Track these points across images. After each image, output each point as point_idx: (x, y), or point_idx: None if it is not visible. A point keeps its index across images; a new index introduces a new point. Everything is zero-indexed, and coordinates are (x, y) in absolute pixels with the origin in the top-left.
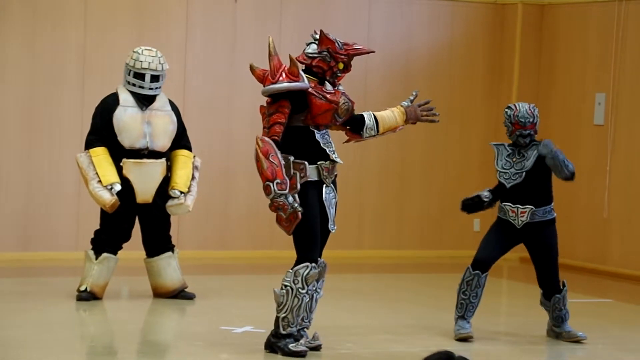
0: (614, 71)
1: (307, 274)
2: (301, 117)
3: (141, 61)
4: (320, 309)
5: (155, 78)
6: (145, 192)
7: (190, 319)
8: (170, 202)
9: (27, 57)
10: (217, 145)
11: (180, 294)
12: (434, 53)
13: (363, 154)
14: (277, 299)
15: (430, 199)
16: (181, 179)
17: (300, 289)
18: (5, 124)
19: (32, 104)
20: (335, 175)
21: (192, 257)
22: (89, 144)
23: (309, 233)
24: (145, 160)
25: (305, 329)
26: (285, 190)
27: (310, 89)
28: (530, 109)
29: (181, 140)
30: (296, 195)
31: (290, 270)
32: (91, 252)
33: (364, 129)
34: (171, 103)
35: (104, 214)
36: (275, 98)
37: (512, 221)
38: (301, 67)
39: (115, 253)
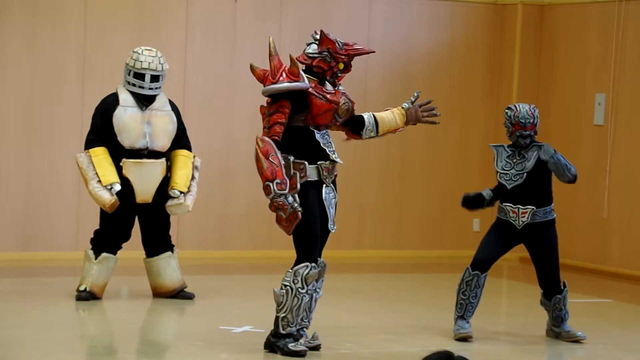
0: (613, 71)
1: (307, 273)
2: (301, 117)
3: (141, 61)
4: (320, 308)
5: (155, 78)
6: (145, 192)
7: (189, 319)
8: (170, 202)
9: (27, 57)
10: (217, 145)
11: (180, 294)
12: (434, 53)
13: (363, 154)
14: (276, 298)
15: (430, 199)
16: (181, 179)
17: (300, 289)
18: (5, 124)
19: (32, 104)
20: (335, 175)
21: (191, 257)
22: (89, 144)
23: (309, 233)
24: (145, 160)
25: (304, 329)
26: (285, 190)
27: (310, 89)
28: (530, 110)
29: (181, 140)
30: (296, 195)
31: (290, 270)
32: (91, 252)
33: (364, 131)
34: (171, 103)
35: (103, 213)
36: (276, 98)
37: (512, 222)
38: (301, 67)
39: (114, 253)
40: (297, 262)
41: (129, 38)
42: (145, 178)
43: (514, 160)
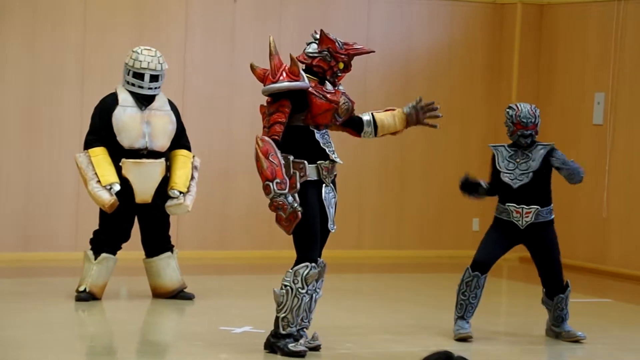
0: (613, 71)
1: (307, 273)
2: (301, 116)
3: (140, 61)
4: (320, 309)
5: (154, 78)
6: (144, 192)
7: (189, 319)
8: (169, 202)
9: (26, 57)
10: (217, 145)
11: (180, 294)
12: (434, 53)
13: (363, 154)
14: (276, 298)
15: (430, 199)
16: (180, 179)
17: (300, 289)
18: (5, 124)
19: (31, 104)
20: (335, 175)
21: (191, 257)
22: (88, 144)
23: (309, 233)
24: (144, 160)
25: (304, 329)
26: (285, 190)
27: (310, 89)
28: (532, 110)
29: (180, 140)
30: (296, 195)
31: (290, 270)
32: (90, 253)
33: (362, 133)
34: (170, 103)
35: (103, 214)
36: (276, 97)
37: (515, 222)
38: (301, 66)
39: (114, 253)
40: (297, 262)
41: (128, 38)
42: (144, 178)
43: (518, 160)
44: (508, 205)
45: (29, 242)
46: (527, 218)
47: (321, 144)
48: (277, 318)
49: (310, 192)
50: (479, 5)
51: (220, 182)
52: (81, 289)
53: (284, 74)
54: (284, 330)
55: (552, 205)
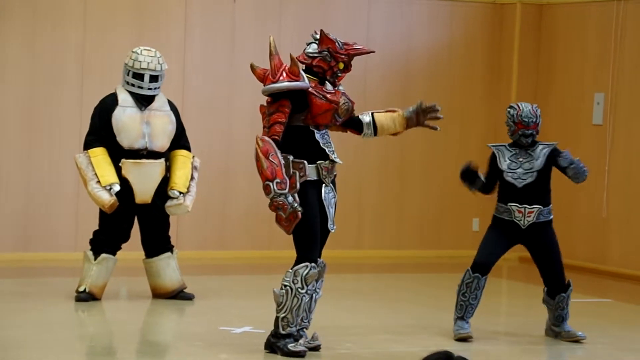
0: (612, 71)
1: (307, 273)
2: (301, 116)
3: (140, 61)
4: (320, 309)
5: (154, 78)
6: (144, 192)
7: (189, 320)
8: (169, 203)
9: (26, 57)
10: (217, 145)
11: (179, 295)
12: (433, 53)
13: (363, 154)
14: (276, 299)
15: (429, 199)
16: (180, 179)
17: (299, 289)
18: (4, 124)
19: (31, 104)
20: (335, 175)
21: (191, 258)
22: (88, 144)
23: (309, 232)
24: (144, 160)
25: (304, 329)
26: (285, 189)
27: (310, 89)
28: (533, 109)
29: (180, 140)
30: (296, 195)
31: (290, 270)
32: (90, 253)
33: (362, 134)
34: (170, 103)
35: (102, 214)
36: (276, 97)
37: (517, 221)
38: (301, 66)
39: (114, 254)
40: (297, 262)
41: (128, 38)
42: (144, 178)
43: (520, 159)
44: (510, 205)
45: (29, 243)
46: (529, 218)
47: (321, 144)
48: (277, 318)
49: (310, 192)
50: (478, 6)
51: (220, 182)
52: (81, 289)
53: (284, 74)
54: (283, 330)
55: (551, 205)
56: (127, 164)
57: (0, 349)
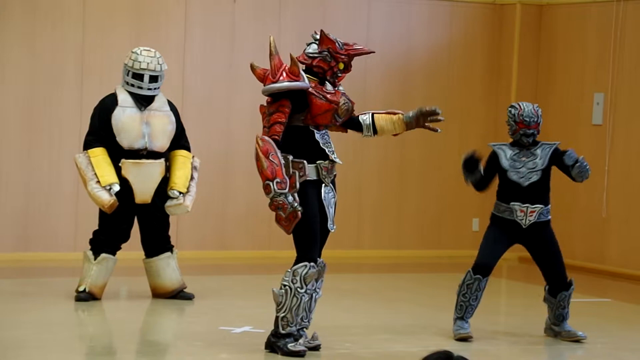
0: (612, 71)
1: (306, 273)
2: (301, 116)
3: (140, 61)
4: (320, 309)
5: (153, 78)
6: (144, 192)
7: (189, 319)
8: (169, 203)
9: (26, 57)
10: (216, 145)
11: (179, 294)
12: (433, 53)
13: (362, 154)
14: (276, 298)
15: (429, 199)
16: (180, 179)
17: (299, 289)
18: (4, 124)
19: (31, 104)
20: (335, 175)
21: (190, 258)
22: (88, 144)
23: (308, 232)
24: (144, 160)
25: (304, 329)
26: (285, 189)
27: (310, 89)
28: (534, 109)
29: (180, 140)
30: (296, 195)
31: (289, 270)
32: (90, 253)
33: (362, 135)
34: (170, 103)
35: (102, 214)
36: (276, 97)
37: (519, 221)
38: (302, 67)
39: (114, 253)
40: (296, 262)
41: (127, 38)
42: (144, 178)
43: (523, 158)
44: (512, 204)
45: (29, 243)
46: (531, 217)
47: (321, 144)
48: (276, 318)
49: (309, 192)
50: (478, 6)
51: (220, 182)
52: (81, 289)
53: (284, 74)
54: (283, 329)
55: (550, 205)
56: (126, 164)
57: (0, 349)
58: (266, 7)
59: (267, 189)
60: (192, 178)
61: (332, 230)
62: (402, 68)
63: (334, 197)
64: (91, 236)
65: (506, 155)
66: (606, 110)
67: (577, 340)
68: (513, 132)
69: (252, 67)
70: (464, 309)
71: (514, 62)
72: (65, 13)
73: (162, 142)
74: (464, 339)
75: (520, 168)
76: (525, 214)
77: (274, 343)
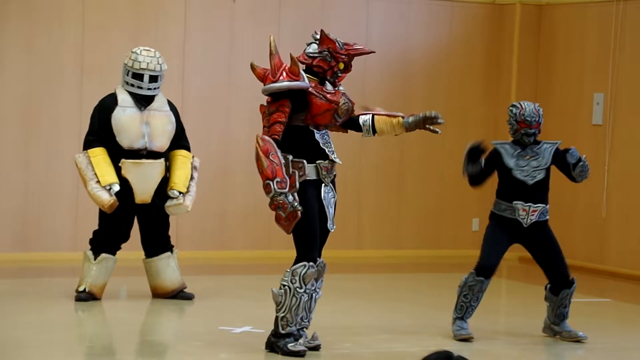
0: (612, 71)
1: (305, 273)
2: (301, 116)
3: (140, 61)
4: (320, 309)
5: (153, 78)
6: (144, 192)
7: (189, 319)
8: (169, 203)
9: (25, 57)
10: (216, 145)
11: (179, 295)
12: (433, 53)
13: (362, 154)
14: (275, 298)
15: (429, 198)
16: (180, 179)
17: (298, 289)
18: (3, 124)
19: (30, 104)
20: (335, 175)
21: (190, 258)
22: (88, 144)
23: (308, 232)
24: (143, 160)
25: (304, 329)
26: (285, 188)
27: (310, 89)
28: (535, 109)
29: (180, 140)
30: (295, 194)
31: (288, 270)
32: (90, 253)
33: (362, 135)
34: (170, 103)
35: (102, 214)
36: (276, 97)
37: (520, 219)
38: (302, 67)
39: (113, 253)
40: (296, 262)
41: (127, 38)
42: (144, 178)
43: (527, 157)
44: (515, 203)
45: (29, 243)
46: (533, 216)
47: (321, 144)
48: (276, 318)
49: (309, 192)
50: (477, 6)
51: (219, 182)
52: (81, 289)
53: (284, 74)
54: (283, 329)
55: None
56: (126, 164)
57: None
58: (266, 8)
59: (267, 188)
60: (192, 178)
61: (332, 230)
62: (402, 68)
63: (334, 197)
64: (91, 236)
65: (509, 154)
66: (606, 110)
67: (577, 340)
68: (514, 132)
69: (252, 67)
70: (465, 309)
71: (514, 62)
72: (64, 13)
73: (162, 142)
74: (465, 339)
75: (524, 167)
76: (527, 213)
77: (274, 343)
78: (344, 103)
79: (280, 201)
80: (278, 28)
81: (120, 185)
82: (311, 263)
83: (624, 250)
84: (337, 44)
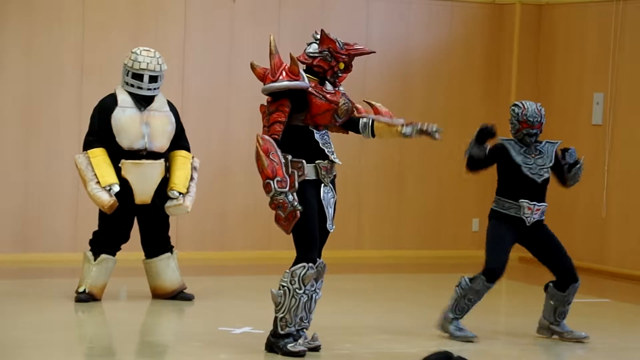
0: (612, 71)
1: (304, 274)
2: (301, 116)
3: (139, 62)
4: (320, 309)
5: (153, 79)
6: (143, 193)
7: (189, 320)
8: (169, 203)
9: (24, 57)
10: (216, 145)
11: (179, 295)
12: (432, 53)
13: (361, 154)
14: (274, 299)
15: (429, 199)
16: (180, 179)
17: (297, 290)
18: (3, 124)
19: (30, 104)
20: (334, 175)
21: (190, 258)
22: (88, 145)
23: (307, 232)
24: (143, 161)
25: (304, 330)
26: (286, 188)
27: (310, 89)
28: (538, 109)
29: (180, 140)
30: (295, 194)
31: (288, 271)
32: (89, 253)
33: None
34: (169, 104)
35: (102, 215)
36: (276, 97)
37: (525, 218)
38: (302, 66)
39: (113, 254)
40: (295, 263)
41: (127, 38)
42: (144, 179)
43: (532, 155)
44: (522, 202)
45: (28, 243)
46: (536, 215)
47: (320, 144)
48: (275, 318)
49: (308, 192)
50: (477, 6)
51: (219, 182)
52: (80, 289)
53: (284, 74)
54: (282, 330)
55: None
56: (126, 165)
57: None
58: (266, 8)
59: (267, 187)
60: (191, 178)
61: (331, 230)
62: (402, 68)
63: (334, 197)
64: (91, 237)
65: (516, 151)
66: (606, 110)
67: (579, 340)
68: (516, 132)
69: (252, 66)
70: (464, 311)
71: (514, 62)
72: (63, 13)
73: (161, 143)
74: (470, 340)
75: (531, 164)
76: (532, 211)
77: (273, 343)
78: (343, 103)
79: (281, 200)
80: (278, 28)
81: (120, 185)
82: (310, 264)
83: (624, 250)
84: (337, 43)
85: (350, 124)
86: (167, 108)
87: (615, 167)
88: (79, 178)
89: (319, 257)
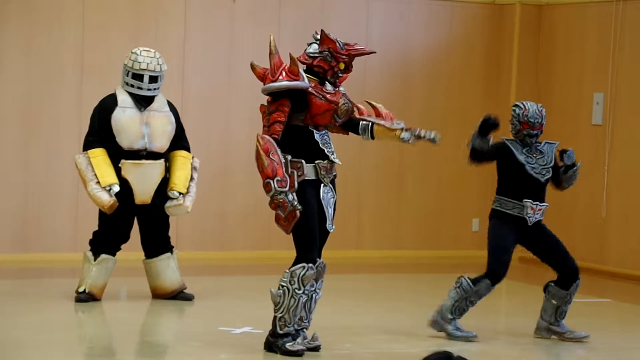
0: (611, 71)
1: (304, 274)
2: (301, 116)
3: (139, 62)
4: (320, 309)
5: (153, 79)
6: (143, 193)
7: (189, 320)
8: (169, 203)
9: (24, 57)
10: (216, 145)
11: (179, 295)
12: (432, 53)
13: (361, 154)
14: (273, 299)
15: (428, 199)
16: (180, 179)
17: (296, 290)
18: (3, 124)
19: (30, 104)
20: (334, 175)
21: (190, 258)
22: (88, 145)
23: (307, 232)
24: (143, 161)
25: (304, 330)
26: (286, 187)
27: (310, 89)
28: (538, 109)
29: (180, 141)
30: (295, 194)
31: (287, 271)
32: (89, 253)
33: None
34: (169, 104)
35: (102, 215)
36: (276, 97)
37: (527, 218)
38: (302, 67)
39: (113, 254)
40: (295, 263)
41: (127, 38)
42: (144, 179)
43: (534, 155)
44: (525, 201)
45: (28, 243)
46: (538, 215)
47: (320, 144)
48: (274, 318)
49: (308, 192)
50: (477, 6)
51: (219, 182)
52: (80, 289)
53: (284, 74)
54: (281, 330)
55: None
56: (126, 165)
57: None
58: (266, 8)
59: (267, 187)
60: (191, 178)
61: (331, 230)
62: (402, 68)
63: (334, 197)
64: (91, 237)
65: (519, 151)
66: (606, 110)
67: (580, 340)
68: (516, 132)
69: (252, 66)
70: (463, 312)
71: (514, 62)
72: (63, 13)
73: (161, 143)
74: (470, 340)
75: (534, 164)
76: (535, 211)
77: (272, 343)
78: (343, 103)
79: (280, 200)
80: (278, 28)
81: (120, 186)
82: (310, 264)
83: (624, 250)
84: (337, 44)
85: (351, 125)
86: (167, 108)
87: (615, 167)
88: (79, 178)
89: (319, 257)
